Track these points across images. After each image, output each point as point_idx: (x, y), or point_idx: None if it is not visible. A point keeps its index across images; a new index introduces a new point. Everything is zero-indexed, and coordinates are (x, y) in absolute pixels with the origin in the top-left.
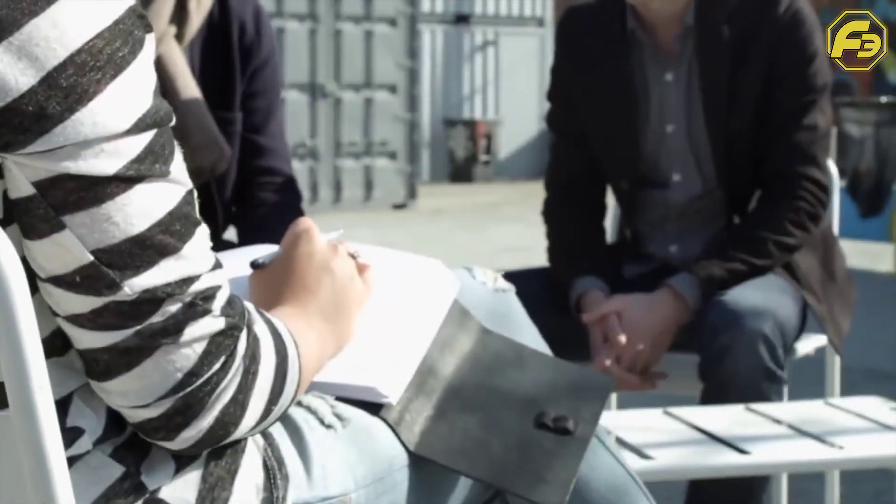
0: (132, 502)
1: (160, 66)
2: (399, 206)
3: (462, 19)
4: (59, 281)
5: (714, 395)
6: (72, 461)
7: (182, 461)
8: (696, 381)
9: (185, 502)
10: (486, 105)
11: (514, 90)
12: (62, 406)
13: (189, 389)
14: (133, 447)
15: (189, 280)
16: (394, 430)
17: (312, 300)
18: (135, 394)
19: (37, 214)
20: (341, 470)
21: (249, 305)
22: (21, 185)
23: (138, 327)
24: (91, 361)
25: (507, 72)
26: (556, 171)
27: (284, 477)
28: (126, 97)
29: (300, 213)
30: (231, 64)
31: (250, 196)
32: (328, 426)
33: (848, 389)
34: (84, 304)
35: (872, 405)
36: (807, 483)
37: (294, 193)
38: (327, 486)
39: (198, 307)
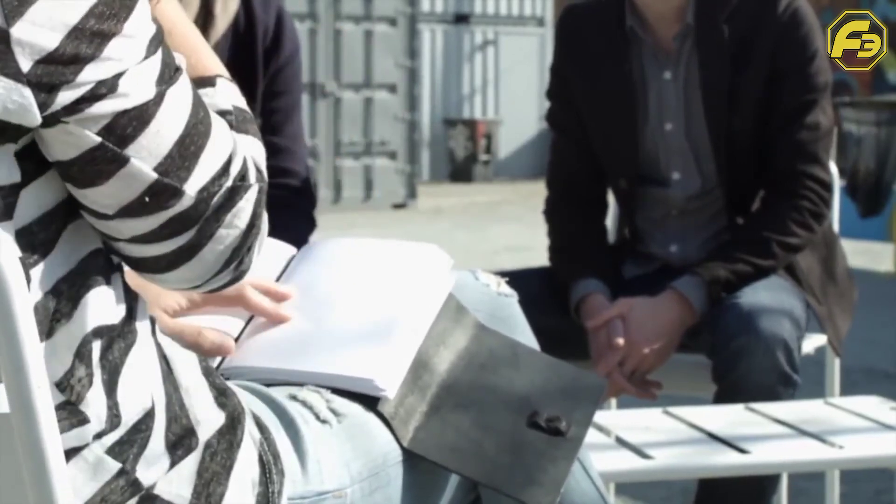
0: (128, 499)
1: None
2: (399, 206)
3: (462, 19)
4: (128, 210)
5: (728, 397)
6: (70, 454)
7: (177, 456)
8: (700, 382)
9: (181, 498)
10: (485, 105)
11: (514, 90)
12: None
13: (237, 254)
14: (130, 444)
15: (227, 165)
16: (388, 425)
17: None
18: (195, 277)
19: (104, 159)
20: (337, 465)
21: (247, 154)
22: (83, 141)
23: (199, 226)
24: (153, 262)
25: (507, 72)
26: (556, 170)
27: (280, 472)
28: (141, 28)
29: (311, 219)
30: (254, 69)
31: None
32: (323, 421)
33: (848, 389)
34: (151, 222)
35: (872, 405)
36: (807, 482)
37: (307, 198)
38: (323, 480)
39: (239, 188)
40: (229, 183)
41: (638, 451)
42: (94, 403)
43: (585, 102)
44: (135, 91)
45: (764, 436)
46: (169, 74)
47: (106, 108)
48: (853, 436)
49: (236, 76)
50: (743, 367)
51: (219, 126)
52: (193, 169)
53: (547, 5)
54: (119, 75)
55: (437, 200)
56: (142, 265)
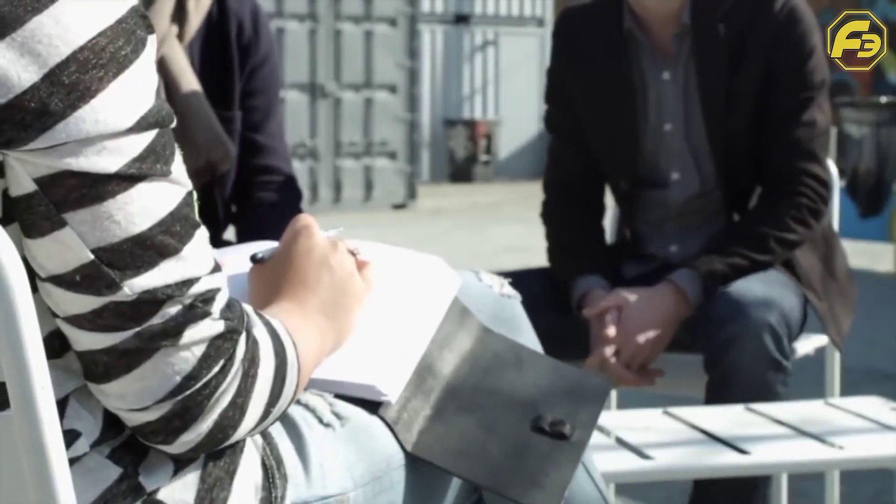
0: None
1: (163, 66)
2: (399, 207)
3: (462, 19)
4: (59, 280)
5: (719, 386)
6: (69, 463)
7: (180, 462)
8: (698, 381)
9: (184, 503)
10: (486, 105)
11: (514, 90)
12: (59, 408)
13: (187, 393)
14: (131, 448)
15: (189, 282)
16: (391, 429)
17: (311, 296)
18: (133, 396)
19: (38, 212)
20: (340, 469)
21: (248, 308)
22: (23, 182)
23: (138, 329)
24: (90, 363)
25: (507, 72)
26: (554, 172)
27: (283, 476)
28: (128, 95)
29: (299, 212)
30: (230, 62)
31: (249, 195)
32: (327, 425)
33: (848, 389)
34: (84, 304)
35: (872, 405)
36: (807, 483)
37: (294, 192)
38: (325, 485)
39: (197, 309)
40: (186, 300)
41: (638, 452)
42: (94, 410)
43: (584, 104)
44: (94, 157)
45: (764, 436)
46: (153, 164)
47: (51, 158)
48: (853, 436)
49: (210, 68)
50: (733, 354)
51: (198, 249)
52: (143, 273)
53: (547, 6)
54: (88, 140)
55: (437, 201)
56: (84, 365)
